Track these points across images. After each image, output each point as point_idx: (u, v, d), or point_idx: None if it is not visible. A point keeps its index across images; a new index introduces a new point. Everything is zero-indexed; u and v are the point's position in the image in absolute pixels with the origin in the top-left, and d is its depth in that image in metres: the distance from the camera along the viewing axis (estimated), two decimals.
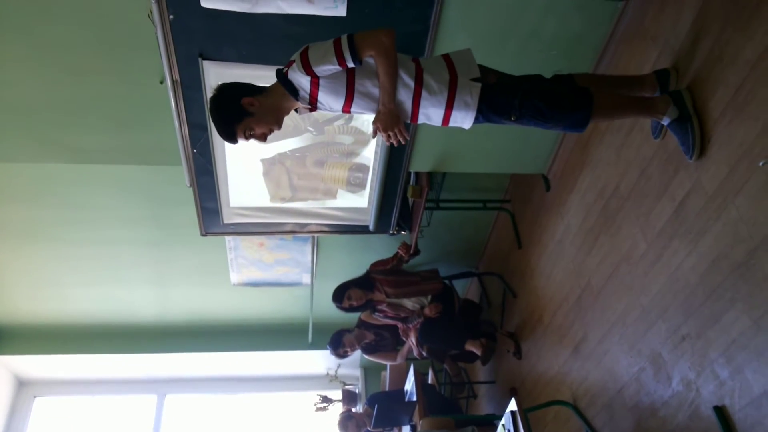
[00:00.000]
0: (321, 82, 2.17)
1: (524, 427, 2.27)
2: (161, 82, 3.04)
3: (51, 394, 5.71)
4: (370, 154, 3.52)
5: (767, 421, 2.02)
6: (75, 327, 5.25)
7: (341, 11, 2.75)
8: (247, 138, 2.26)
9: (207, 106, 3.06)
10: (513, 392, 4.20)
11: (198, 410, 5.88)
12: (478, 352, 4.12)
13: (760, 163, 2.06)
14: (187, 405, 5.86)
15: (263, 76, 3.00)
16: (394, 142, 2.28)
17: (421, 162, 3.62)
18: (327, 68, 2.13)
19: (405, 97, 2.22)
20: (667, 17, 2.64)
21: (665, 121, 2.39)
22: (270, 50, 2.90)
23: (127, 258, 4.65)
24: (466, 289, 5.37)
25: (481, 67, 2.26)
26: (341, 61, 2.11)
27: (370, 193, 3.75)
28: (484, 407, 4.86)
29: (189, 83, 3.00)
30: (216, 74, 2.97)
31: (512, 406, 2.39)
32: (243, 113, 2.21)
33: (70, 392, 5.76)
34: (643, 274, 2.71)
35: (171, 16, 2.71)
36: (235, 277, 4.91)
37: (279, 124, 2.29)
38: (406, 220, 4.13)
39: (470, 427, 3.14)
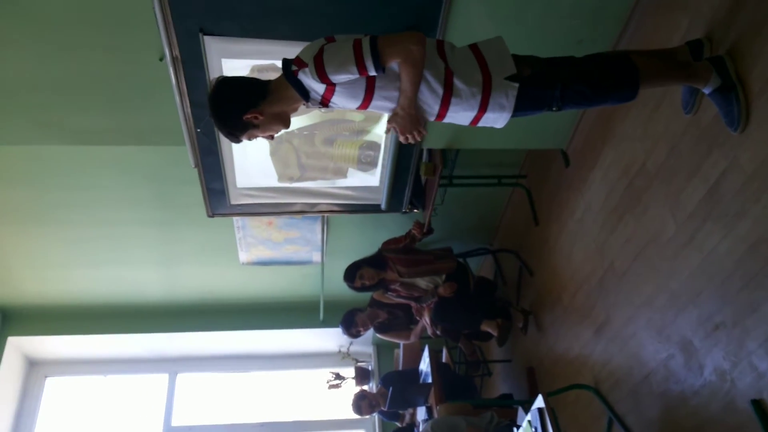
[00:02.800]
0: (337, 88, 1.98)
1: (553, 427, 2.15)
2: (161, 59, 2.89)
3: (62, 374, 5.67)
4: (382, 131, 3.37)
5: None
6: (83, 307, 5.19)
7: None
8: (252, 140, 2.13)
9: (209, 84, 2.92)
10: (530, 372, 4.11)
11: (210, 389, 5.84)
12: (494, 333, 4.02)
13: None
14: (199, 384, 5.82)
15: (267, 51, 2.86)
16: (411, 141, 2.11)
17: (434, 139, 3.47)
18: (345, 77, 1.93)
19: (432, 101, 2.03)
20: None
21: (707, 90, 2.21)
22: (274, 24, 2.74)
23: (133, 238, 4.57)
24: (479, 266, 5.25)
25: (515, 58, 2.06)
26: (362, 70, 1.91)
27: (381, 172, 3.61)
28: (499, 385, 4.78)
29: (190, 60, 2.84)
30: (218, 49, 2.82)
31: (539, 402, 2.27)
32: (246, 126, 2.05)
33: (82, 372, 5.72)
34: (673, 257, 2.57)
35: None
36: (243, 257, 4.81)
37: (287, 125, 2.13)
38: (418, 198, 3.99)
39: (489, 413, 3.05)
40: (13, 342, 5.24)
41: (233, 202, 3.66)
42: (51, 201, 4.14)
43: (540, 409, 2.25)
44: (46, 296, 5.07)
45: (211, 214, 3.73)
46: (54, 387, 5.62)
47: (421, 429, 3.81)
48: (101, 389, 5.74)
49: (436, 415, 3.57)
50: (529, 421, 2.35)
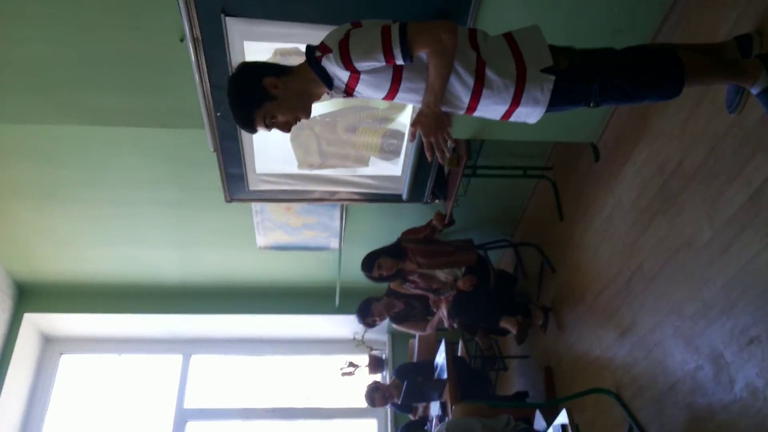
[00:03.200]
0: (362, 76, 1.88)
1: None
2: (181, 40, 2.80)
3: (77, 351, 5.67)
4: (406, 119, 3.27)
5: None
6: (99, 286, 5.18)
7: None
8: (268, 127, 1.96)
9: (230, 67, 2.84)
10: (548, 371, 4.01)
11: (223, 371, 5.82)
12: (514, 331, 3.92)
13: None
14: (212, 365, 5.80)
15: (291, 34, 2.76)
16: (437, 153, 1.94)
17: (459, 129, 3.35)
18: (371, 65, 1.83)
19: (462, 93, 1.91)
20: None
21: (754, 90, 2.07)
22: (299, 6, 2.64)
23: (149, 219, 4.53)
24: (499, 258, 5.14)
25: (551, 49, 1.94)
26: (389, 58, 1.80)
27: (404, 161, 3.51)
28: (515, 381, 4.69)
29: (211, 41, 2.75)
30: (240, 31, 2.73)
31: (563, 418, 2.17)
32: (263, 96, 1.91)
33: (96, 350, 5.71)
34: (707, 264, 2.45)
35: None
36: (261, 241, 4.75)
37: (307, 113, 1.99)
38: (441, 188, 3.89)
39: (506, 416, 2.96)
40: (30, 318, 5.24)
41: (252, 187, 3.59)
42: (68, 179, 4.09)
43: (563, 426, 2.15)
44: (62, 274, 5.06)
45: (229, 199, 3.67)
46: (69, 364, 5.63)
47: (435, 429, 3.73)
48: (115, 368, 5.74)
49: (450, 412, 3.49)
50: None
